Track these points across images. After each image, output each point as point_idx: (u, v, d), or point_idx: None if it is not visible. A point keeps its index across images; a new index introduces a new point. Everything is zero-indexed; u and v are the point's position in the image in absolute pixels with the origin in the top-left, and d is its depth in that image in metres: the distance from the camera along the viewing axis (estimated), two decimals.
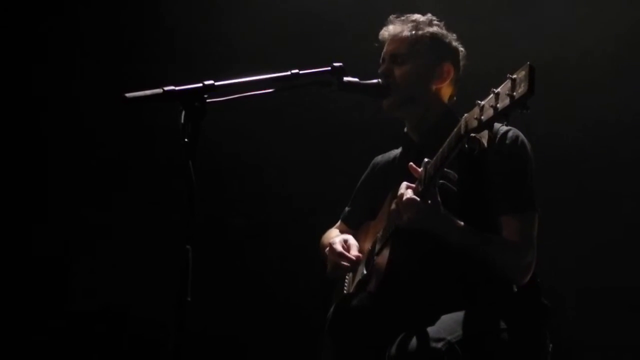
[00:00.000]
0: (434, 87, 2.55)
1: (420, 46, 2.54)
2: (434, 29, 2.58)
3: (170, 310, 1.81)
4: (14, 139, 4.18)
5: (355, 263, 2.55)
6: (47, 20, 4.17)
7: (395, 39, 2.57)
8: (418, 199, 2.14)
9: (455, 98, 2.62)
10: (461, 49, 2.63)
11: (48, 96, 4.18)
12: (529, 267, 2.30)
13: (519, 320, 2.30)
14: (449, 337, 2.12)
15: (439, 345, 2.08)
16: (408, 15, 2.61)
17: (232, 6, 4.18)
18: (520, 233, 2.29)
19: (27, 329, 4.06)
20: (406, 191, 2.18)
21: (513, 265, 2.29)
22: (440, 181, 2.10)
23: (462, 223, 2.22)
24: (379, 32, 2.64)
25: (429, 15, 2.62)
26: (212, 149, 3.21)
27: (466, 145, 1.90)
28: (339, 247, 2.57)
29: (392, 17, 2.62)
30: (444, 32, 2.60)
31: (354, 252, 2.55)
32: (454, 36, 2.62)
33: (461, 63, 2.62)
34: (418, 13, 2.62)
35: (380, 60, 2.60)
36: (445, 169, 2.07)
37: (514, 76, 1.69)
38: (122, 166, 4.26)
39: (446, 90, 2.59)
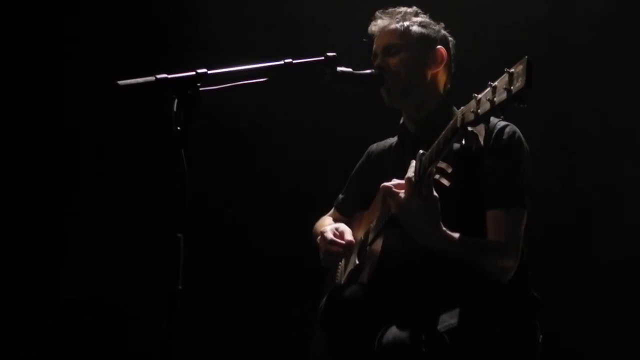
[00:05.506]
0: (429, 74, 2.55)
1: (412, 35, 2.56)
2: (421, 18, 2.61)
3: (162, 298, 1.80)
4: (9, 131, 4.15)
5: (346, 249, 2.56)
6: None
7: (386, 31, 2.58)
8: (412, 191, 2.13)
9: (449, 86, 2.63)
10: (451, 38, 2.65)
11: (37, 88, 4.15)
12: (508, 268, 2.27)
13: (509, 311, 2.31)
14: (438, 327, 2.13)
15: (428, 334, 2.09)
16: (394, 8, 2.62)
17: None
18: (505, 230, 2.27)
19: (18, 317, 4.04)
20: (400, 182, 2.17)
21: (491, 268, 2.27)
22: (436, 176, 2.09)
23: (443, 229, 2.16)
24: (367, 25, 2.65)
25: (415, 8, 2.64)
26: (205, 137, 3.20)
27: (464, 142, 1.89)
28: (329, 235, 2.60)
29: (378, 12, 2.64)
30: (432, 21, 2.63)
31: (347, 238, 2.57)
32: (442, 25, 2.65)
33: (452, 51, 2.63)
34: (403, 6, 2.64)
35: (372, 57, 2.61)
36: (441, 162, 2.06)
37: (512, 70, 1.68)
38: (113, 155, 4.24)
39: (441, 77, 2.59)
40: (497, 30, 3.96)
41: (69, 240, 4.25)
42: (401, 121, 2.66)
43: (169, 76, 1.92)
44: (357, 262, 2.55)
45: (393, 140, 2.77)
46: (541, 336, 2.40)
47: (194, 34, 4.18)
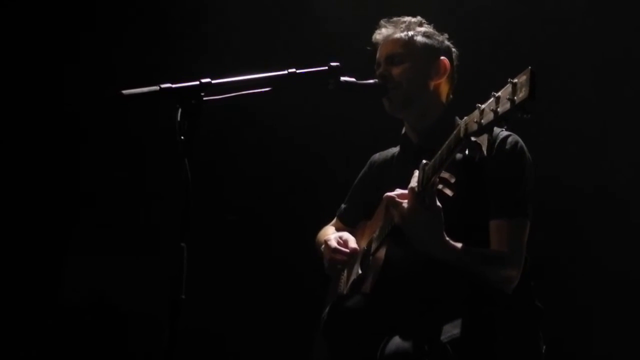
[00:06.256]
0: (432, 84, 2.56)
1: (415, 45, 2.56)
2: (425, 28, 2.62)
3: (165, 307, 1.80)
4: (10, 133, 4.15)
5: (350, 257, 2.56)
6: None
7: (389, 40, 2.59)
8: (415, 201, 2.13)
9: (452, 97, 2.63)
10: (454, 49, 2.65)
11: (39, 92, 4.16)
12: (511, 278, 2.26)
13: (513, 322, 2.30)
14: (441, 337, 2.13)
15: (431, 344, 2.09)
16: (398, 18, 2.63)
17: (230, 4, 4.17)
18: (508, 240, 2.26)
19: (18, 318, 4.04)
20: (404, 192, 2.18)
21: (494, 278, 2.26)
22: (439, 186, 2.09)
23: (446, 238, 2.16)
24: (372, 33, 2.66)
25: (419, 18, 2.65)
26: (208, 146, 3.20)
27: (467, 152, 1.89)
28: (333, 243, 2.60)
29: (383, 21, 2.65)
30: (436, 31, 2.64)
31: (351, 246, 2.56)
32: (446, 35, 2.66)
33: (455, 62, 2.64)
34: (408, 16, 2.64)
35: (376, 65, 2.62)
36: (444, 172, 2.06)
37: (515, 80, 1.68)
38: (117, 162, 4.24)
39: (444, 88, 2.59)
40: (498, 35, 3.98)
41: (70, 241, 4.25)
42: (403, 131, 2.67)
43: (173, 86, 1.93)
44: (359, 271, 2.54)
45: (395, 150, 2.77)
46: (544, 347, 2.39)
47: (199, 39, 4.18)
